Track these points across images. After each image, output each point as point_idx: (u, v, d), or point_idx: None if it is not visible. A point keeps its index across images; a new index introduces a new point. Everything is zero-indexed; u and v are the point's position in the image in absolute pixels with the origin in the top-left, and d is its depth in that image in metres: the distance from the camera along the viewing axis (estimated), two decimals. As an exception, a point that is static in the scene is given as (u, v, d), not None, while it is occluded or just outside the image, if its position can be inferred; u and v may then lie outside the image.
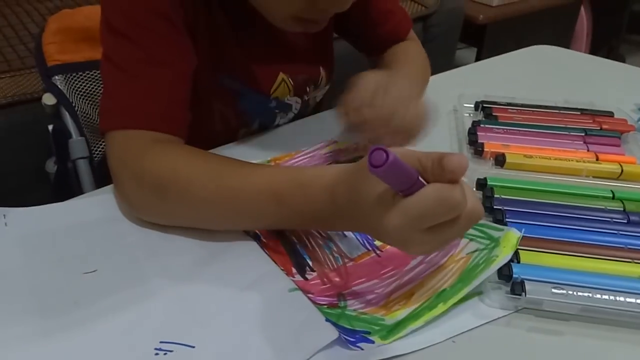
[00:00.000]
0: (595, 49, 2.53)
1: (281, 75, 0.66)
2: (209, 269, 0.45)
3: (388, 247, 0.49)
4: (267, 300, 0.42)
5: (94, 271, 0.44)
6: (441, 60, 0.73)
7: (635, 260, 0.47)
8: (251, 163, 0.49)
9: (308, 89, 0.71)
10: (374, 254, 0.48)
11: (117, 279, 0.44)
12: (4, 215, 0.49)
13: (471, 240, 0.47)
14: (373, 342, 0.39)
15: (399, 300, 0.43)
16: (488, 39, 1.70)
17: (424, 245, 0.38)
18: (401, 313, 0.42)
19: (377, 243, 0.50)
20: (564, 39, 2.07)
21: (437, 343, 0.40)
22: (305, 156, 0.62)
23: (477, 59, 1.83)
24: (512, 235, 0.45)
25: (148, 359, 0.38)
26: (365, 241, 0.50)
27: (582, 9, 2.05)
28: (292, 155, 0.62)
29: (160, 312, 0.41)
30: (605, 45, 2.59)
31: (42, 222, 0.49)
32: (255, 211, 0.46)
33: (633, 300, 0.42)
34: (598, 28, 2.25)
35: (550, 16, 1.86)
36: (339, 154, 0.63)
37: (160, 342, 0.39)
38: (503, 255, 0.44)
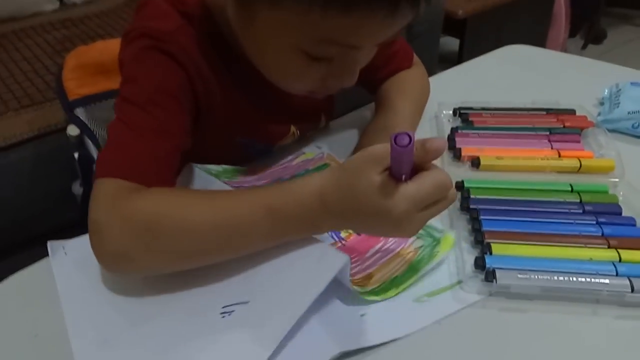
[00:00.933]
0: (576, 28, 2.61)
1: (292, 129, 0.73)
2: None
3: (352, 237, 0.60)
4: (286, 245, 0.52)
5: None
6: (426, 55, 0.80)
7: (587, 245, 0.57)
8: (241, 189, 0.56)
9: (308, 133, 0.79)
10: (340, 244, 0.59)
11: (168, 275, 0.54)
12: (63, 247, 0.59)
13: (418, 237, 0.58)
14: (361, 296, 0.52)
15: (361, 281, 0.54)
16: (469, 31, 1.78)
17: (416, 224, 0.46)
18: (362, 289, 0.53)
19: (343, 234, 0.60)
20: (543, 23, 2.15)
21: (426, 327, 0.50)
22: (279, 167, 0.72)
23: (460, 48, 1.92)
24: (449, 238, 0.57)
25: (218, 321, 0.49)
26: (332, 233, 0.60)
27: (559, -9, 2.13)
28: (268, 167, 0.71)
29: (213, 287, 0.52)
30: (585, 22, 2.67)
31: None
32: (251, 228, 0.49)
33: (583, 279, 0.52)
34: (576, 7, 2.33)
35: (528, 2, 1.94)
36: (308, 163, 0.72)
37: (222, 307, 0.50)
38: (443, 252, 0.56)
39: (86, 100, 0.90)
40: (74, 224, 0.62)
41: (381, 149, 0.44)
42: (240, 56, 0.60)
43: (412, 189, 0.44)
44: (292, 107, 0.71)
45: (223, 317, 0.49)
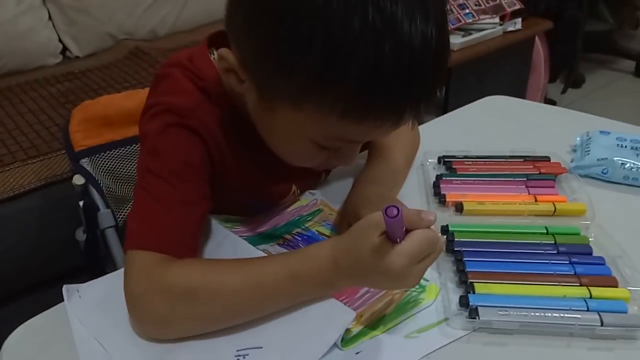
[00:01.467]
0: (556, 73, 2.73)
1: (293, 188, 0.79)
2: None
3: None
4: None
5: None
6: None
7: (561, 283, 0.62)
8: (265, 256, 0.63)
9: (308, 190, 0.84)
10: None
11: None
12: (78, 290, 0.63)
13: None
14: (340, 347, 0.56)
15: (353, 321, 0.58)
16: (454, 79, 1.88)
17: (416, 275, 0.53)
18: (354, 330, 0.58)
19: None
20: (523, 71, 2.26)
21: (415, 361, 0.55)
22: (275, 214, 0.77)
23: (446, 95, 2.01)
24: (434, 287, 0.62)
25: None
26: None
27: (537, 40, 2.25)
28: (265, 216, 0.77)
29: (228, 333, 0.56)
30: (564, 68, 2.80)
31: (107, 289, 0.63)
32: (276, 291, 0.56)
33: (557, 314, 0.57)
34: (555, 54, 2.45)
35: (508, 52, 2.04)
36: (302, 209, 0.78)
37: (237, 350, 0.54)
38: (428, 300, 0.61)
39: (91, 151, 0.94)
40: (78, 269, 0.66)
41: (379, 215, 0.51)
42: (251, 127, 0.65)
43: (406, 247, 0.51)
44: (296, 169, 0.75)
45: (238, 359, 0.54)
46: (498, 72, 2.04)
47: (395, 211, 0.47)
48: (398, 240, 0.51)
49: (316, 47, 0.50)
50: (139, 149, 0.96)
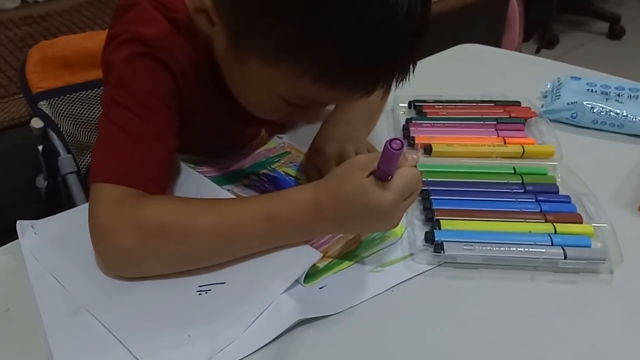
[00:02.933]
0: (531, 32, 2.72)
1: (262, 132, 0.78)
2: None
3: None
4: None
5: None
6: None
7: (527, 220, 0.62)
8: (242, 197, 0.60)
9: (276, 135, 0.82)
10: None
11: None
12: (32, 226, 0.61)
13: None
14: (302, 284, 0.55)
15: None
16: (427, 33, 1.85)
17: (401, 212, 0.53)
18: (320, 265, 0.57)
19: None
20: (498, 27, 2.25)
21: (380, 293, 0.54)
22: (244, 155, 0.76)
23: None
24: (400, 225, 0.60)
25: (194, 297, 0.53)
26: None
27: (513, -3, 2.23)
28: (232, 158, 0.75)
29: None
30: (539, 27, 2.79)
31: (63, 226, 0.61)
32: (250, 233, 0.54)
33: (522, 249, 0.57)
34: (530, 13, 2.43)
35: (484, 7, 2.03)
36: (270, 152, 0.77)
37: (199, 286, 0.53)
38: (393, 237, 0.61)
39: (50, 94, 0.90)
40: (38, 217, 0.64)
41: (366, 158, 0.53)
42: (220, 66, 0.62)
43: (396, 182, 0.51)
44: None
45: (200, 294, 0.53)
46: (472, 26, 2.03)
47: (399, 143, 0.47)
48: (389, 177, 0.51)
49: (300, 7, 0.48)
50: (101, 93, 0.93)
